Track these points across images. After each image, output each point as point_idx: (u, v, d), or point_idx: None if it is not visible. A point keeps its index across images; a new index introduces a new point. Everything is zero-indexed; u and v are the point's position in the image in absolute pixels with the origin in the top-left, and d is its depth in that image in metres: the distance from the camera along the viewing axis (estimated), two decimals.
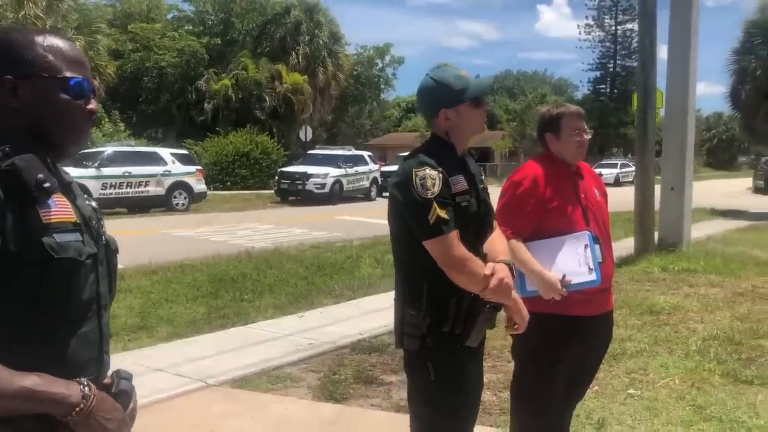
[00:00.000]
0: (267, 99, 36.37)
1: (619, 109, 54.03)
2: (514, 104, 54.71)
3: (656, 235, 11.13)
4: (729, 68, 23.52)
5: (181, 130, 36.78)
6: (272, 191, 25.71)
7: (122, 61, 36.32)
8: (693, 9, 11.25)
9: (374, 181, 26.76)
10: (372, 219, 16.76)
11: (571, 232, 2.87)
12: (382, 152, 44.96)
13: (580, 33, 60.41)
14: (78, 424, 1.32)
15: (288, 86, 37.02)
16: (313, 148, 29.68)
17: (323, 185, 23.96)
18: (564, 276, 2.78)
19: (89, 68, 1.51)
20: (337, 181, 24.50)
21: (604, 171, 35.26)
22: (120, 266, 1.63)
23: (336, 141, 41.06)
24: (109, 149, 20.10)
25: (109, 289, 1.52)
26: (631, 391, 4.69)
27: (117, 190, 18.90)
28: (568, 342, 2.88)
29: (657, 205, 11.24)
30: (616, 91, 58.83)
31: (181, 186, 20.49)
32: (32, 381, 1.27)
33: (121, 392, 1.47)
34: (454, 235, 2.16)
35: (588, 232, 2.87)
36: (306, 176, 23.79)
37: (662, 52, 11.78)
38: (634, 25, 49.59)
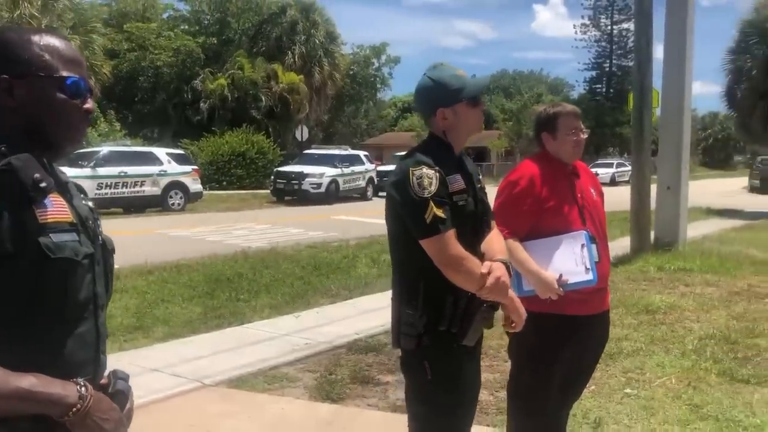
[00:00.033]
0: (263, 98, 36.32)
1: (615, 108, 54.14)
2: (510, 104, 54.72)
3: (652, 234, 11.15)
4: (725, 68, 23.64)
5: (176, 129, 36.72)
6: (268, 191, 25.68)
7: (118, 60, 36.28)
8: (689, 8, 11.27)
9: (370, 180, 26.74)
10: (368, 219, 16.76)
11: (567, 231, 2.87)
12: (379, 152, 44.98)
13: (576, 32, 60.80)
14: (75, 425, 1.32)
15: (284, 86, 36.98)
16: (309, 148, 29.65)
17: (319, 185, 23.94)
18: (561, 275, 2.79)
19: (86, 67, 1.51)
20: (333, 181, 24.49)
21: (600, 170, 35.32)
22: (116, 266, 1.63)
23: (332, 141, 41.03)
24: (104, 149, 20.03)
25: (105, 289, 1.51)
26: (628, 390, 4.70)
27: (113, 190, 18.86)
28: (564, 342, 2.88)
29: (653, 205, 11.26)
30: (612, 90, 58.94)
31: (177, 186, 20.46)
32: (29, 381, 1.27)
33: (118, 392, 1.46)
34: (450, 234, 2.16)
35: (585, 232, 2.87)
36: (302, 176, 23.77)
37: (658, 51, 11.81)
38: (630, 25, 49.63)
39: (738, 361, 5.32)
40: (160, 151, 21.28)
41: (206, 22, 44.12)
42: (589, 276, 2.82)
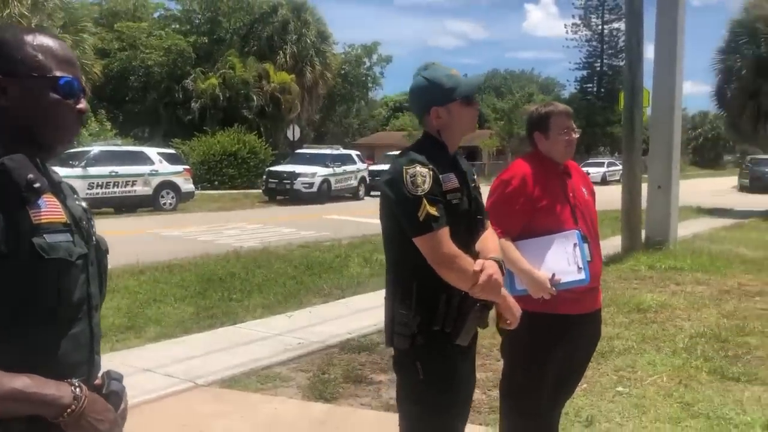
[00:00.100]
0: (254, 98, 36.26)
1: (606, 108, 54.30)
2: (501, 103, 54.79)
3: (643, 233, 11.20)
4: (715, 67, 23.69)
5: (168, 129, 36.60)
6: (260, 191, 25.66)
7: (108, 60, 36.11)
8: (679, 8, 11.33)
9: (362, 180, 26.75)
10: (360, 218, 16.77)
11: (560, 230, 2.88)
12: (370, 151, 44.98)
13: (567, 32, 60.71)
14: (69, 426, 1.31)
15: (275, 85, 36.94)
16: (301, 148, 29.59)
17: (311, 184, 23.93)
18: (553, 275, 2.79)
19: (79, 67, 1.50)
20: (325, 181, 24.48)
21: (591, 170, 35.41)
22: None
23: (324, 140, 41.03)
24: (95, 149, 19.92)
25: (99, 289, 1.51)
26: (620, 388, 4.72)
27: (104, 190, 18.78)
28: (557, 341, 2.89)
29: (644, 204, 11.31)
30: (602, 90, 59.12)
31: (168, 185, 20.39)
32: (23, 382, 1.27)
33: (112, 393, 1.46)
34: (443, 232, 2.17)
35: (577, 231, 2.88)
36: (294, 175, 23.75)
37: (649, 51, 11.88)
38: (621, 25, 49.77)
39: (728, 359, 5.35)
40: (152, 151, 21.20)
41: (197, 21, 43.96)
42: (582, 275, 2.83)
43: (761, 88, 22.20)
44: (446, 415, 2.31)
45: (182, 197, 20.88)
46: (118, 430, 1.43)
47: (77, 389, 1.33)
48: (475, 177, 2.47)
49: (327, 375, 5.09)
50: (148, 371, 5.09)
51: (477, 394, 4.44)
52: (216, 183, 29.54)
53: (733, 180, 36.49)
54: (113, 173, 18.99)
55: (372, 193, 25.83)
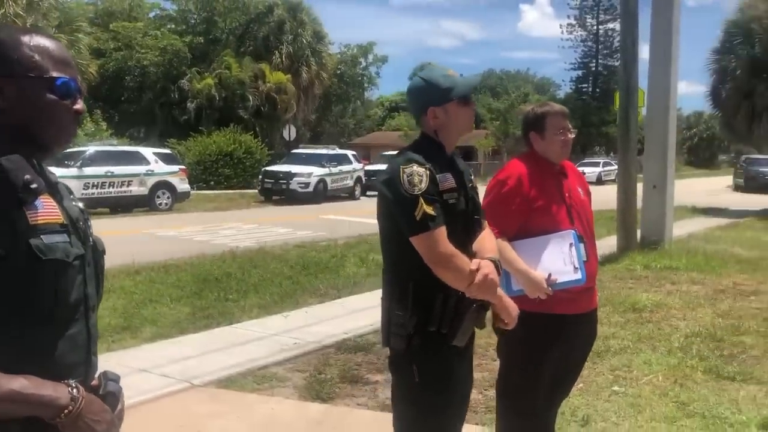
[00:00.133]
0: (250, 98, 36.20)
1: (601, 108, 54.44)
2: (497, 103, 54.77)
3: (639, 233, 11.23)
4: (709, 68, 23.74)
5: (163, 129, 36.52)
6: (256, 191, 25.63)
7: (104, 60, 35.99)
8: (674, 8, 11.36)
9: (358, 180, 26.71)
10: (356, 218, 16.77)
11: (556, 230, 2.88)
12: (366, 151, 44.95)
13: (562, 32, 60.86)
14: (67, 427, 1.31)
15: (271, 85, 36.89)
16: (297, 148, 29.61)
17: (307, 184, 23.91)
18: (550, 275, 2.80)
19: (76, 68, 1.50)
20: (321, 181, 24.46)
21: (586, 170, 35.42)
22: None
23: (320, 140, 40.98)
24: (91, 149, 19.89)
25: (96, 290, 1.51)
26: (615, 388, 4.73)
27: (99, 190, 18.74)
28: (553, 340, 2.90)
29: (639, 204, 11.33)
30: (598, 90, 59.25)
31: (164, 186, 20.37)
32: (20, 383, 1.26)
33: (109, 394, 1.46)
34: (440, 232, 2.17)
35: (573, 231, 2.89)
36: (290, 175, 23.73)
37: (644, 51, 11.95)
38: (616, 25, 49.98)
39: (724, 359, 5.37)
40: (147, 151, 21.16)
41: (193, 21, 43.88)
42: (578, 275, 2.83)
43: (756, 89, 22.27)
44: (442, 416, 2.31)
45: (178, 197, 20.85)
46: (115, 431, 1.43)
47: (74, 390, 1.33)
48: (473, 177, 2.47)
49: (323, 375, 5.09)
50: (144, 371, 5.08)
51: (473, 394, 4.42)
52: (212, 183, 29.51)
53: (728, 180, 36.60)
54: (109, 173, 18.96)
55: (368, 192, 25.84)
